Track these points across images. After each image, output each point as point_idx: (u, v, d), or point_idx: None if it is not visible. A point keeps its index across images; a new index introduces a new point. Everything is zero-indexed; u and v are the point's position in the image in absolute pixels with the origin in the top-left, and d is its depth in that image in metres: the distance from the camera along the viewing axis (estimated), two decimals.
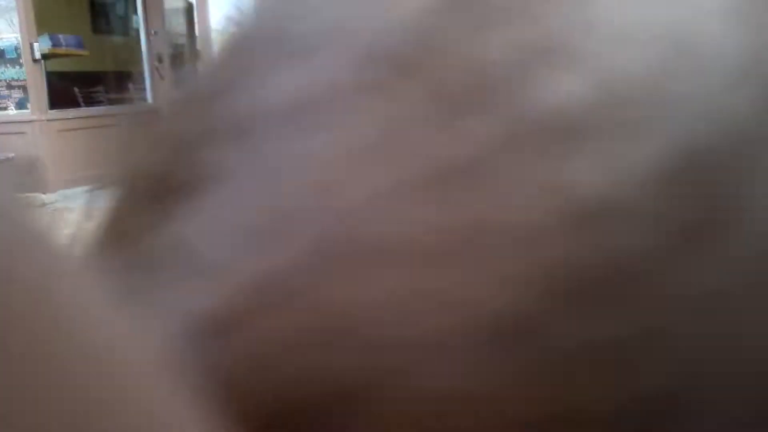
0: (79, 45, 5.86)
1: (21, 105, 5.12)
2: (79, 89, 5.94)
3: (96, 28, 6.20)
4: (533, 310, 0.11)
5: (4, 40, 5.09)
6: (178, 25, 6.31)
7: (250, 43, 0.16)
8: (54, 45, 5.57)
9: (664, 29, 0.12)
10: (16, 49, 5.01)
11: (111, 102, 6.14)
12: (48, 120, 5.12)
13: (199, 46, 6.23)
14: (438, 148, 0.11)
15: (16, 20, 5.10)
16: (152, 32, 6.07)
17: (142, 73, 6.16)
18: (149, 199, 0.15)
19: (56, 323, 0.07)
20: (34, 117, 5.06)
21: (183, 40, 6.37)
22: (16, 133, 5.15)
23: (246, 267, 0.12)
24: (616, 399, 0.11)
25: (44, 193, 5.16)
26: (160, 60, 6.13)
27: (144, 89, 6.20)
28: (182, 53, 6.36)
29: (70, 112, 5.36)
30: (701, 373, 0.11)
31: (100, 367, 0.07)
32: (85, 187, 5.55)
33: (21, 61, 4.99)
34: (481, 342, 0.11)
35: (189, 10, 6.19)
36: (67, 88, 5.78)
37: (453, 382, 0.11)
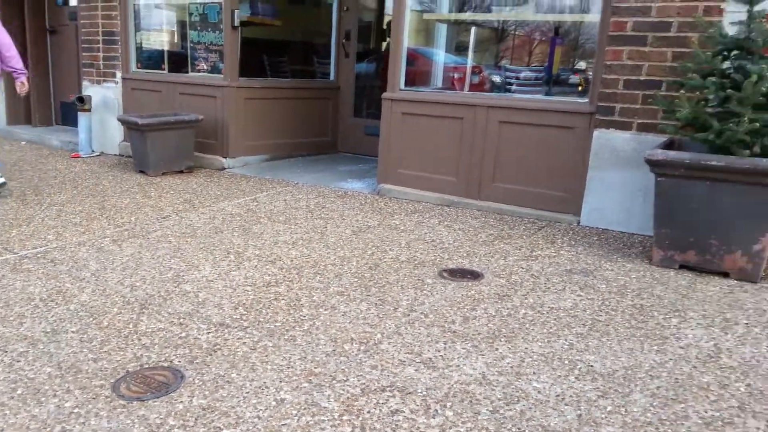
0: (275, 14, 6.00)
1: (215, 69, 5.34)
2: (267, 57, 6.09)
3: None
4: None
5: (209, 5, 5.31)
6: (369, 2, 6.25)
7: None
8: (252, 13, 5.74)
9: None
10: (218, 13, 5.20)
11: (295, 73, 6.25)
12: (238, 87, 5.29)
13: (386, 25, 6.13)
14: None
15: None
16: (344, 8, 6.07)
17: (328, 48, 6.20)
18: None
19: None
20: (225, 83, 5.25)
21: (372, 18, 6.31)
22: (207, 96, 5.38)
23: None
24: None
25: (225, 158, 5.35)
26: (347, 37, 6.12)
27: (328, 64, 6.24)
28: (369, 31, 6.31)
29: (258, 82, 5.51)
30: None
31: None
32: (264, 156, 5.74)
33: (221, 26, 5.18)
34: None
35: None
36: (256, 56, 5.95)
37: None
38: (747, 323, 2.42)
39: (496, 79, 4.72)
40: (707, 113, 2.99)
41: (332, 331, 2.25)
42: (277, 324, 2.29)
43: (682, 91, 3.28)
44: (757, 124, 2.82)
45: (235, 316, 2.35)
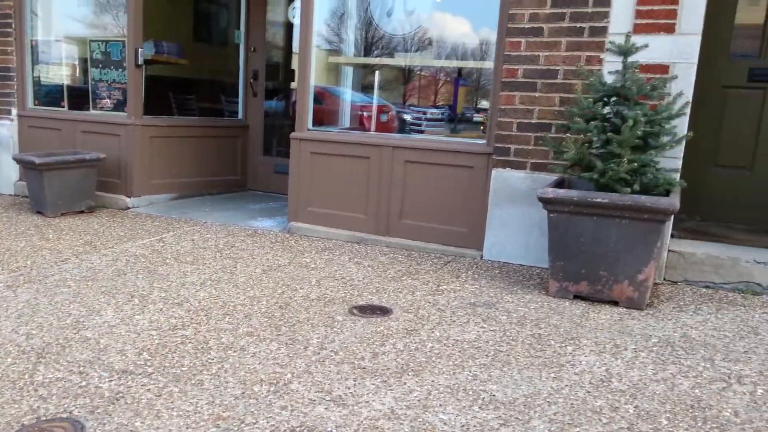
0: (180, 53, 5.95)
1: (119, 107, 5.22)
2: (174, 95, 6.02)
3: (197, 37, 6.29)
4: None
5: (112, 42, 5.21)
6: (277, 42, 6.34)
7: None
8: (157, 52, 5.68)
9: None
10: (121, 51, 5.11)
11: (201, 111, 6.20)
12: (142, 125, 5.19)
13: (293, 66, 6.22)
14: None
15: (121, 16, 5.22)
16: (251, 49, 6.12)
17: (236, 87, 6.21)
18: None
19: None
20: (129, 121, 5.14)
21: (280, 58, 6.39)
22: (110, 134, 5.23)
23: None
24: None
25: (129, 197, 5.20)
26: (255, 77, 6.16)
27: (236, 103, 6.23)
28: (278, 70, 6.38)
29: (163, 120, 5.43)
30: None
31: None
32: (171, 195, 5.62)
33: (124, 64, 5.09)
34: None
35: (288, 28, 6.22)
36: (162, 94, 5.87)
37: None
38: (635, 348, 2.62)
39: (407, 117, 4.90)
40: (591, 154, 3.25)
41: (241, 373, 2.24)
42: (183, 368, 2.26)
43: (568, 134, 3.57)
44: (636, 164, 3.10)
45: (139, 362, 2.29)
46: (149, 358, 2.34)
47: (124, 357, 2.34)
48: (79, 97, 5.57)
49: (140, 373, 2.21)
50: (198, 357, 2.36)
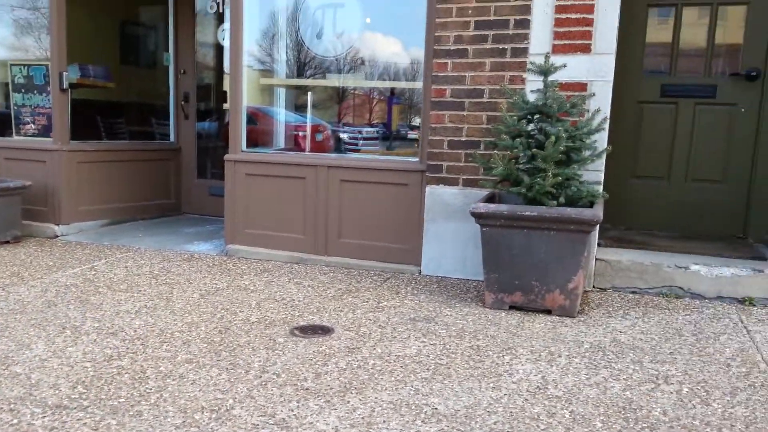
0: (107, 77, 5.82)
1: (44, 132, 5.05)
2: (102, 119, 5.87)
3: (125, 60, 6.17)
4: None
5: (34, 66, 5.05)
6: (208, 63, 6.29)
7: None
8: (83, 75, 5.53)
9: None
10: (45, 75, 4.96)
11: (132, 135, 6.07)
12: (69, 150, 5.04)
13: (225, 87, 6.18)
14: None
15: (44, 38, 5.08)
16: (181, 71, 6.05)
17: (167, 110, 6.12)
18: None
19: None
20: (55, 147, 4.98)
21: (212, 79, 6.34)
22: (35, 161, 5.05)
23: None
24: None
25: (58, 225, 5.03)
26: (186, 99, 6.09)
27: (168, 126, 6.14)
28: (210, 92, 6.32)
29: (91, 144, 5.29)
30: None
31: None
32: (102, 221, 5.46)
33: (48, 88, 4.94)
34: None
35: (219, 49, 6.18)
36: (90, 118, 5.71)
37: None
38: (568, 354, 2.74)
39: (342, 135, 4.96)
40: (519, 169, 3.39)
41: (181, 401, 2.21)
42: (121, 400, 2.21)
43: (496, 151, 3.71)
44: (560, 178, 3.25)
45: (73, 396, 2.23)
46: (84, 391, 2.28)
47: (57, 391, 2.26)
48: (1, 123, 5.35)
49: (75, 407, 2.14)
50: (136, 387, 2.32)
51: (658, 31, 4.31)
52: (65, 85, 4.97)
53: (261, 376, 2.44)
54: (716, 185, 4.26)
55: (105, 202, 5.43)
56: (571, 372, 2.54)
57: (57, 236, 5.00)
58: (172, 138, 6.15)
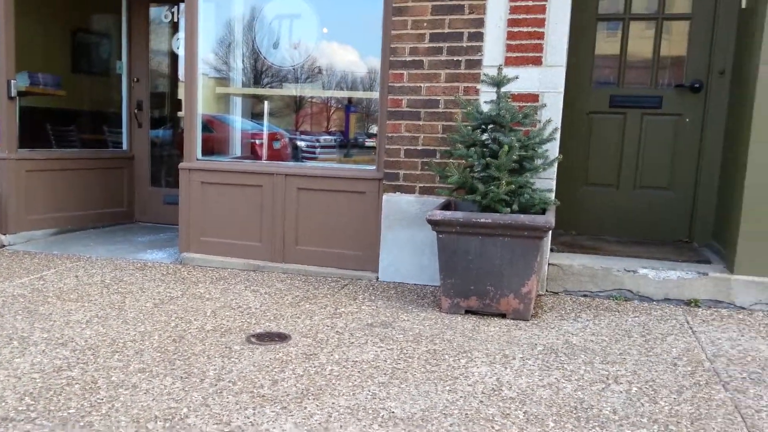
0: (57, 85, 5.69)
1: None
2: (52, 127, 5.73)
3: (76, 68, 6.04)
4: None
5: None
6: (162, 71, 6.21)
7: None
8: (32, 83, 5.39)
9: None
10: None
11: (84, 143, 5.94)
12: (17, 159, 4.90)
13: (180, 95, 6.12)
14: None
15: None
16: (135, 79, 5.96)
17: (119, 118, 6.01)
18: None
19: None
20: (2, 155, 4.83)
21: (166, 87, 6.26)
22: None
23: None
24: None
25: (5, 234, 4.87)
26: (140, 107, 6.00)
27: (120, 134, 6.03)
28: (164, 100, 6.24)
29: (41, 153, 5.16)
30: None
31: None
32: (52, 230, 5.31)
33: None
34: None
35: (174, 57, 6.12)
36: (39, 126, 5.57)
37: None
38: (522, 357, 2.79)
39: (300, 143, 4.95)
40: (474, 178, 3.45)
41: (134, 411, 2.17)
42: (71, 411, 2.16)
43: (451, 160, 3.77)
44: (513, 186, 3.32)
45: (20, 408, 2.17)
46: (32, 402, 2.21)
47: (3, 403, 2.20)
48: None
49: (22, 419, 2.08)
50: (86, 398, 2.26)
51: (607, 43, 4.46)
52: (14, 93, 4.84)
53: (216, 384, 2.41)
54: (663, 192, 4.42)
55: (55, 211, 5.29)
56: (525, 374, 2.59)
57: (4, 246, 4.84)
58: (125, 146, 6.05)
